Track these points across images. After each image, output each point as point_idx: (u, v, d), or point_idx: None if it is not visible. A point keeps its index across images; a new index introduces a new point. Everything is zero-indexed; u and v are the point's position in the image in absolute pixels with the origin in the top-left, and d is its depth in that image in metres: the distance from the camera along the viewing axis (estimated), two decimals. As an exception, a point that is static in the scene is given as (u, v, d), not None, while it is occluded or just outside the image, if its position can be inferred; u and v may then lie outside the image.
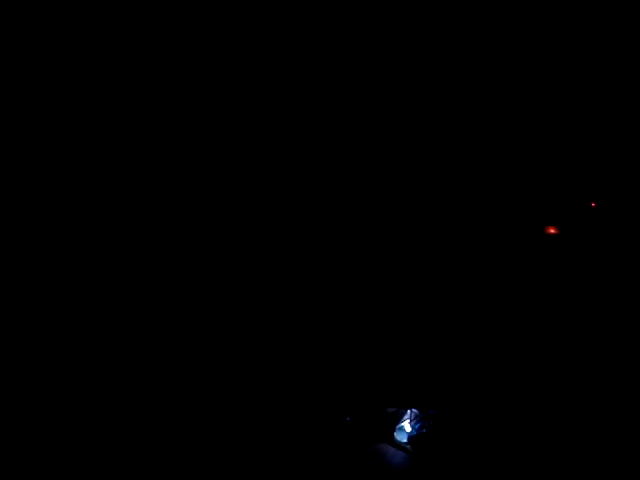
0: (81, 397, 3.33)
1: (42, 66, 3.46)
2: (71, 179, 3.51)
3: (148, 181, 3.59)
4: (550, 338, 3.41)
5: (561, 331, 3.41)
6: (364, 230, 3.62)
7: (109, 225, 3.53)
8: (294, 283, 3.60)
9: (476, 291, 3.54)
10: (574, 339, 3.39)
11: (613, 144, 3.58)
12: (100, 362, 3.40)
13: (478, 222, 3.59)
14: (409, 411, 3.45)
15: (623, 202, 3.54)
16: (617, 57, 3.58)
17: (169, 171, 3.61)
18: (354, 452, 3.38)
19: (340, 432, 3.42)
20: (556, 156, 3.61)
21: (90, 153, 3.53)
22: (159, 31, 3.53)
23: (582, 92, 3.62)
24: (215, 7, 3.51)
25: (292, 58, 3.63)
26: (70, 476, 3.14)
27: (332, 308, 3.57)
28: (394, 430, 3.43)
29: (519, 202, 3.61)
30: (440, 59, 3.65)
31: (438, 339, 3.49)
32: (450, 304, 3.53)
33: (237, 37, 3.58)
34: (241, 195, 3.64)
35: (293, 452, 3.32)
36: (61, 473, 3.14)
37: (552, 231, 3.56)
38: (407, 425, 3.42)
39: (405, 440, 3.40)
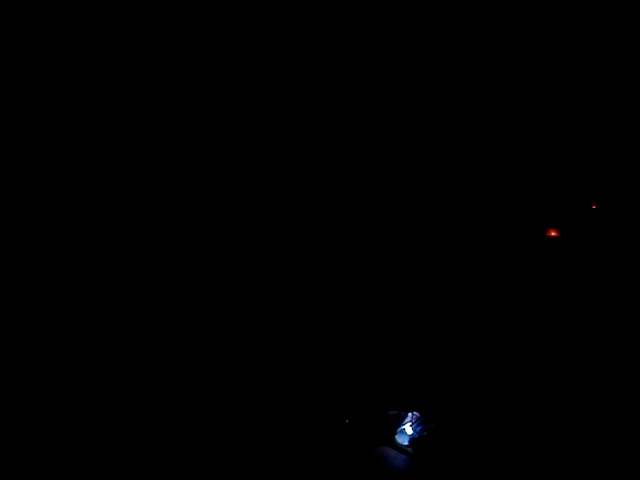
0: (81, 397, 3.33)
1: (42, 66, 3.45)
2: (71, 179, 3.50)
3: (148, 181, 3.57)
4: (552, 340, 3.41)
5: (563, 333, 3.41)
6: (366, 232, 3.60)
7: (109, 225, 3.52)
8: (295, 284, 3.59)
9: (477, 293, 3.53)
10: (576, 341, 3.39)
11: (613, 146, 3.56)
12: (100, 362, 3.40)
13: (480, 225, 3.58)
14: (410, 414, 3.46)
15: (624, 204, 3.53)
16: (618, 60, 3.55)
17: (169, 171, 3.59)
18: (355, 455, 3.39)
19: (341, 435, 3.43)
20: (557, 158, 3.59)
21: (90, 153, 3.52)
22: (159, 31, 3.50)
23: (582, 95, 3.59)
24: (215, 7, 3.48)
25: (292, 58, 3.60)
26: (70, 476, 3.15)
27: (333, 310, 3.56)
28: (395, 433, 3.44)
29: (520, 204, 3.59)
30: (441, 59, 3.62)
31: (440, 342, 3.49)
32: (452, 306, 3.53)
33: (237, 37, 3.55)
34: (241, 195, 3.62)
35: (294, 455, 3.33)
36: (61, 473, 3.15)
37: (553, 233, 3.55)
38: (408, 428, 3.43)
39: (406, 443, 3.41)
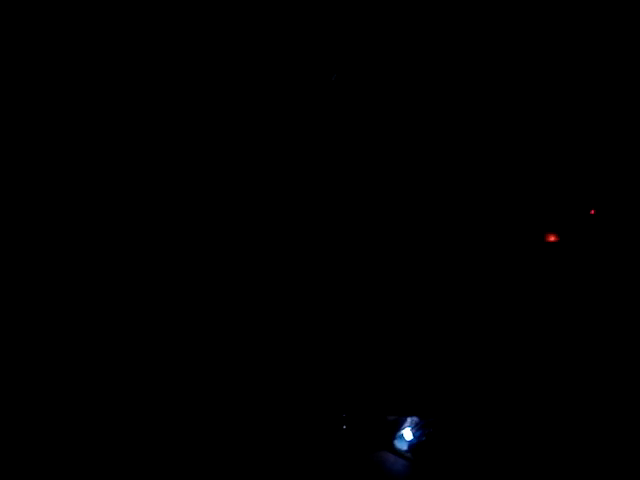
0: (81, 397, 3.30)
1: (42, 66, 3.40)
2: (71, 179, 3.46)
3: (148, 181, 3.53)
4: (551, 346, 3.44)
5: (562, 340, 3.44)
6: (366, 235, 3.58)
7: (108, 225, 3.48)
8: (292, 289, 3.56)
9: (475, 299, 3.54)
10: (575, 348, 3.42)
11: (612, 151, 3.58)
12: (100, 362, 3.37)
13: (477, 230, 3.58)
14: (409, 419, 3.46)
15: (623, 209, 3.56)
16: (618, 63, 3.56)
17: (169, 171, 3.55)
18: (354, 460, 3.39)
19: (340, 440, 3.42)
20: (556, 163, 3.60)
21: (89, 153, 3.47)
22: (159, 31, 3.44)
23: (581, 98, 3.60)
24: (215, 7, 3.41)
25: (292, 58, 3.55)
26: (70, 476, 3.13)
27: (331, 314, 3.54)
28: (394, 438, 3.44)
29: (519, 209, 3.60)
30: (437, 64, 3.60)
31: (439, 347, 3.50)
32: (449, 311, 3.53)
33: (237, 37, 3.49)
34: (241, 195, 3.57)
35: (293, 460, 3.32)
36: (61, 473, 3.13)
37: (552, 238, 3.56)
38: (407, 433, 3.43)
39: (405, 448, 3.41)
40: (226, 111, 3.56)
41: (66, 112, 3.44)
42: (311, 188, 3.61)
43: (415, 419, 3.45)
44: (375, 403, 3.48)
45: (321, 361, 3.50)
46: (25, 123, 3.41)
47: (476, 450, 3.32)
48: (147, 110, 3.50)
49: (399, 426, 3.46)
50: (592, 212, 3.58)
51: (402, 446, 3.42)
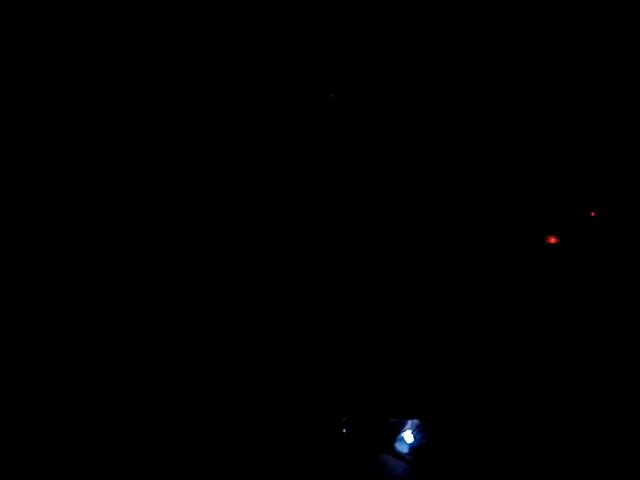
0: (81, 397, 3.30)
1: (42, 66, 3.41)
2: (70, 179, 3.46)
3: (147, 181, 3.53)
4: (552, 349, 3.43)
5: (563, 342, 3.44)
6: (367, 240, 3.58)
7: (108, 225, 3.48)
8: (293, 292, 3.55)
9: (476, 300, 3.53)
10: (576, 350, 3.42)
11: (613, 153, 3.58)
12: (100, 362, 3.37)
13: (478, 232, 3.58)
14: (410, 421, 3.45)
15: (623, 211, 3.56)
16: (619, 66, 3.57)
17: (169, 171, 3.55)
18: (355, 462, 3.38)
19: (340, 442, 3.41)
20: (556, 165, 3.60)
21: (89, 153, 3.47)
22: (159, 31, 3.45)
23: (582, 100, 3.60)
24: (215, 7, 3.42)
25: (292, 58, 3.55)
26: (70, 476, 3.13)
27: (331, 315, 3.53)
28: (395, 440, 3.43)
29: (520, 211, 3.60)
30: (433, 68, 3.61)
31: (439, 349, 3.49)
32: (450, 314, 3.53)
33: (237, 37, 3.49)
34: (240, 195, 3.57)
35: (293, 464, 3.31)
36: (61, 473, 3.13)
37: (553, 240, 3.56)
38: (408, 435, 3.43)
39: (406, 450, 3.41)
40: (226, 111, 3.56)
41: (66, 112, 3.45)
42: (311, 188, 3.61)
43: (416, 421, 3.45)
44: (376, 405, 3.47)
45: (321, 364, 3.49)
46: (25, 123, 3.42)
47: (477, 453, 3.31)
48: (147, 110, 3.51)
49: (400, 429, 3.45)
50: (592, 214, 3.58)
51: (403, 449, 3.42)
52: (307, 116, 3.60)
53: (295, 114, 3.59)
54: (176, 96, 3.52)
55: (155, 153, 3.52)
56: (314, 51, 3.56)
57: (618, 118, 3.58)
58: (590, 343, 3.42)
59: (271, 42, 3.53)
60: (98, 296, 3.43)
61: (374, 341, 3.52)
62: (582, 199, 3.61)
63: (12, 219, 3.39)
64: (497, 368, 3.45)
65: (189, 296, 3.49)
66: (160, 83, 3.50)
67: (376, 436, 3.44)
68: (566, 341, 3.44)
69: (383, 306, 3.54)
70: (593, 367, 3.38)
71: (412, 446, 3.40)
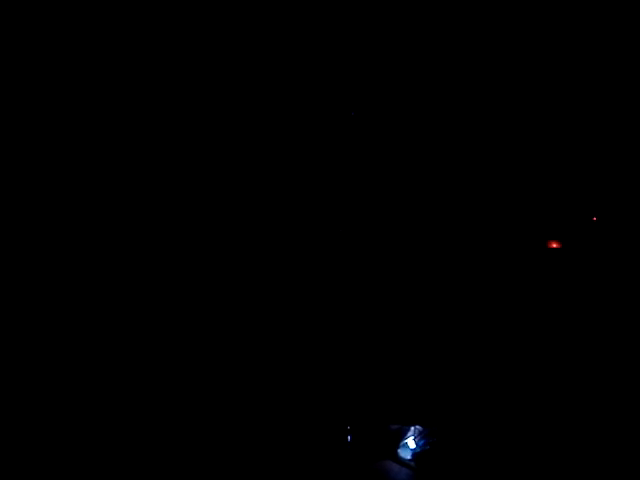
0: (81, 397, 3.32)
1: (42, 66, 3.41)
2: (71, 179, 3.47)
3: (147, 181, 3.53)
4: (555, 355, 3.43)
5: (566, 348, 3.43)
6: (372, 248, 3.58)
7: (108, 225, 3.49)
8: (296, 300, 3.56)
9: (478, 307, 3.53)
10: (579, 356, 3.41)
11: (615, 158, 3.57)
12: (100, 362, 3.38)
13: (481, 239, 3.57)
14: (413, 428, 3.46)
15: (625, 216, 3.54)
16: (620, 68, 3.55)
17: (169, 171, 3.55)
18: (358, 469, 3.39)
19: (344, 449, 3.42)
20: (558, 171, 3.59)
21: (89, 153, 3.48)
22: (159, 31, 3.46)
23: (584, 104, 3.58)
24: (215, 7, 3.43)
25: (292, 58, 3.56)
26: (70, 476, 3.15)
27: (334, 321, 3.54)
28: (398, 447, 3.44)
29: (521, 216, 3.59)
30: (435, 70, 3.60)
31: (442, 356, 3.49)
32: (453, 321, 3.53)
33: (237, 37, 3.50)
34: (240, 195, 3.58)
35: (297, 470, 3.32)
36: (61, 473, 3.15)
37: (554, 245, 3.55)
38: (411, 442, 3.44)
39: (409, 457, 3.42)
40: (226, 111, 3.57)
41: (66, 112, 3.46)
42: (312, 189, 3.61)
43: (419, 428, 3.46)
44: (379, 412, 3.48)
45: (325, 371, 3.50)
46: (25, 123, 3.42)
47: (479, 459, 3.31)
48: (147, 110, 3.52)
49: (403, 435, 3.46)
50: (594, 219, 3.57)
51: (406, 455, 3.43)
52: (311, 120, 3.61)
53: (294, 113, 3.60)
54: (184, 99, 3.54)
55: (156, 152, 3.53)
56: (313, 50, 3.57)
57: (620, 124, 3.56)
58: (593, 350, 3.41)
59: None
60: (98, 296, 3.44)
61: (377, 349, 3.53)
62: (584, 204, 3.59)
63: (12, 219, 3.40)
64: (499, 375, 3.45)
65: (192, 300, 3.50)
66: (158, 80, 3.51)
67: (379, 442, 3.45)
68: (569, 349, 3.43)
69: (386, 315, 3.55)
70: (596, 373, 3.37)
71: (415, 452, 3.41)
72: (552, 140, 3.59)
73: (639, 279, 3.44)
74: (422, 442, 3.42)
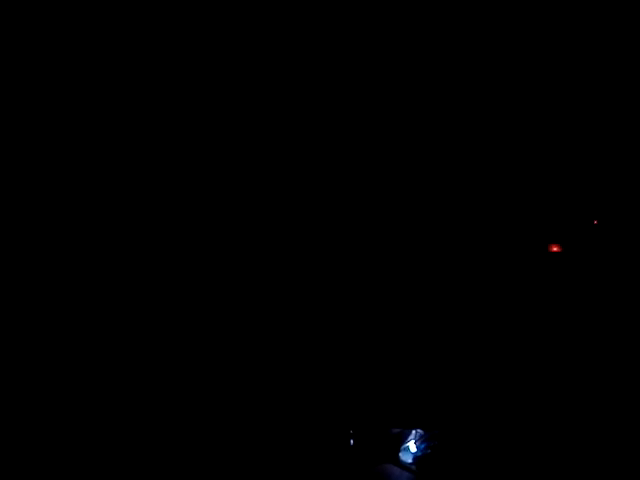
0: (81, 397, 3.33)
1: (42, 66, 3.42)
2: (71, 179, 3.48)
3: (147, 181, 3.54)
4: (556, 359, 3.42)
5: (567, 352, 3.43)
6: (373, 252, 3.59)
7: (108, 225, 3.50)
8: (297, 302, 3.57)
9: (479, 311, 3.53)
10: (580, 360, 3.41)
11: (616, 161, 3.56)
12: (100, 362, 3.39)
13: (482, 242, 3.57)
14: (414, 431, 3.46)
15: (626, 220, 3.54)
16: (620, 70, 3.54)
17: (168, 171, 3.56)
18: (359, 472, 3.40)
19: (345, 452, 3.43)
20: (559, 173, 3.59)
21: (89, 153, 3.49)
22: (159, 31, 3.46)
23: (585, 108, 3.58)
24: (215, 7, 3.44)
25: (291, 58, 3.56)
26: (70, 476, 3.17)
27: (335, 323, 3.55)
28: (399, 450, 3.45)
29: (522, 219, 3.59)
30: (433, 72, 3.60)
31: (443, 359, 3.49)
32: (454, 324, 3.53)
33: (237, 37, 3.51)
34: (240, 195, 3.59)
35: (299, 473, 3.33)
36: (61, 473, 3.17)
37: (555, 249, 3.55)
38: (412, 445, 3.44)
39: (410, 460, 3.42)
40: (226, 111, 3.58)
41: (66, 112, 3.47)
42: (312, 189, 3.62)
43: (420, 432, 3.46)
44: (380, 415, 3.48)
45: (325, 374, 3.51)
46: (25, 123, 3.43)
47: (481, 462, 3.31)
48: (146, 110, 3.53)
49: (404, 439, 3.47)
50: (595, 222, 3.57)
51: (407, 459, 3.43)
52: (309, 117, 3.61)
53: (295, 114, 3.60)
54: (183, 98, 3.55)
55: (154, 153, 3.53)
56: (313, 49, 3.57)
57: (621, 127, 3.56)
58: (595, 354, 3.41)
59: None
60: (98, 296, 3.45)
61: (378, 352, 3.53)
62: (585, 208, 3.59)
63: (12, 219, 3.41)
64: (501, 378, 3.44)
65: (193, 300, 3.51)
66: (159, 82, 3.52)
67: (380, 446, 3.46)
68: (571, 353, 3.42)
69: (387, 318, 3.55)
70: (598, 379, 3.37)
71: (416, 456, 3.42)
72: (553, 143, 3.59)
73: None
74: (423, 446, 3.42)
